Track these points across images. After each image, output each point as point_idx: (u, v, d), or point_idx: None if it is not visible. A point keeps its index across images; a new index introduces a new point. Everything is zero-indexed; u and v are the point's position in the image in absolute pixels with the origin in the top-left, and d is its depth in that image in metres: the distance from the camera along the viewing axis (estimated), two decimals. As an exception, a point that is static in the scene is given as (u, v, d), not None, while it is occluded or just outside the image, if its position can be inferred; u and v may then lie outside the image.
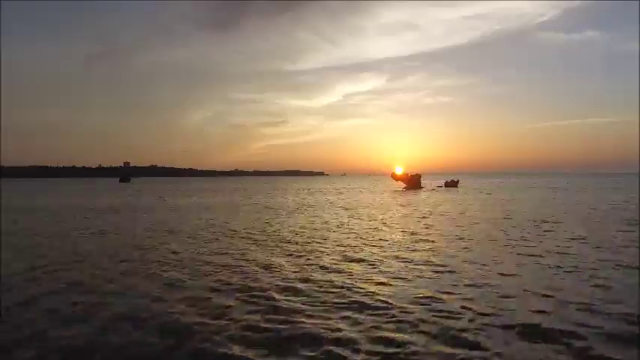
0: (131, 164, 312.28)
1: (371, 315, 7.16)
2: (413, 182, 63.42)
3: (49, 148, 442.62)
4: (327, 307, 7.58)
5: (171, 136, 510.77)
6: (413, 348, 5.82)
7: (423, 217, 23.10)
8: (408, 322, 6.81)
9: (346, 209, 29.73)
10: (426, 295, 8.29)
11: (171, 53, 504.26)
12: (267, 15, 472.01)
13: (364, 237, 16.28)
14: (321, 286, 9.00)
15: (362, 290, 8.66)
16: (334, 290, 8.69)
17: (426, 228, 18.75)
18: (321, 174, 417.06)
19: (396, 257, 12.16)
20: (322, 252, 13.17)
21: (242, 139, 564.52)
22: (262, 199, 42.91)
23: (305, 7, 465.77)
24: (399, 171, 65.36)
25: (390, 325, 6.68)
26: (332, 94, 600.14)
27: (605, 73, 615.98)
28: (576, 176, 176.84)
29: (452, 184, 67.96)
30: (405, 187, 63.46)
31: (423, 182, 66.28)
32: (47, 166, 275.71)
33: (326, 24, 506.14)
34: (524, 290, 8.54)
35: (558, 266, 10.77)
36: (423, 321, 6.82)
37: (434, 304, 7.69)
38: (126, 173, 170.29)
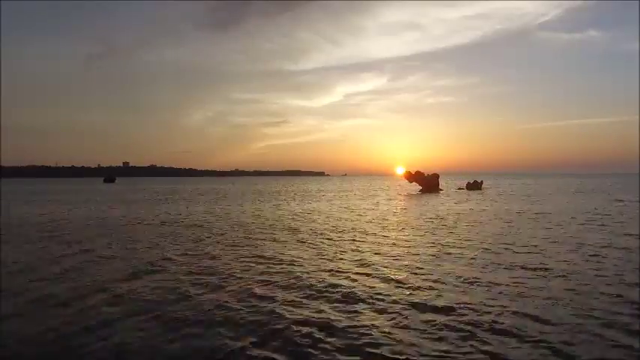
0: (130, 164, 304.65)
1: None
2: (430, 184, 54.30)
3: (49, 148, 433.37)
4: None
5: (172, 136, 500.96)
6: None
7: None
8: None
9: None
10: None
11: (171, 53, 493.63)
12: (268, 15, 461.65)
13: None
14: None
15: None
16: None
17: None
18: (322, 174, 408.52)
19: None
20: None
21: (243, 139, 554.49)
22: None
23: (305, 7, 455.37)
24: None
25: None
26: (333, 94, 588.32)
27: (605, 73, 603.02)
28: (578, 177, 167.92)
29: (475, 186, 58.66)
30: (420, 190, 54.41)
31: (441, 184, 57.29)
32: (47, 166, 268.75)
33: (327, 24, 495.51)
34: None
35: None
36: None
37: None
38: (110, 173, 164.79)
